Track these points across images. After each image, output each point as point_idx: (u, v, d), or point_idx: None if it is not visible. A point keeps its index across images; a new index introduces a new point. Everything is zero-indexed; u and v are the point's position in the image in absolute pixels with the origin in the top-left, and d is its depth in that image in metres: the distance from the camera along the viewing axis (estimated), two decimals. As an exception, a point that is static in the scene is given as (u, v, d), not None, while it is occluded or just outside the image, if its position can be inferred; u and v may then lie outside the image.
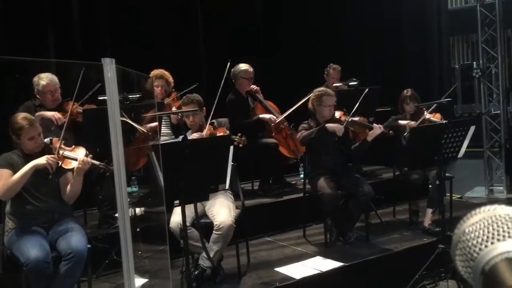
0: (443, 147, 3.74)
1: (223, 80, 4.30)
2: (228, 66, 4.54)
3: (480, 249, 0.59)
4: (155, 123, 4.21)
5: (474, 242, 0.59)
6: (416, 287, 3.85)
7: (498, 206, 0.62)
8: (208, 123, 4.00)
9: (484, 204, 0.66)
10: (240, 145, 3.83)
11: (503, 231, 0.58)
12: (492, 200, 6.04)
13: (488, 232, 0.59)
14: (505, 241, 0.57)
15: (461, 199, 5.96)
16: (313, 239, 4.54)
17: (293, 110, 5.12)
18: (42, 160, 3.03)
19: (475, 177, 6.51)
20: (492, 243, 0.58)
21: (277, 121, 5.03)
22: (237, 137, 3.82)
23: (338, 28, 6.90)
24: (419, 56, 7.08)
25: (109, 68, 1.67)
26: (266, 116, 5.05)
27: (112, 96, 1.70)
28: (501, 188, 6.35)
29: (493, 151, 6.46)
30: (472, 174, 6.50)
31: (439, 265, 3.83)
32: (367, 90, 4.32)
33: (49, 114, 4.03)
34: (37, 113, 3.90)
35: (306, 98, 4.95)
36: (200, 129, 3.97)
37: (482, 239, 0.59)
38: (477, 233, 0.60)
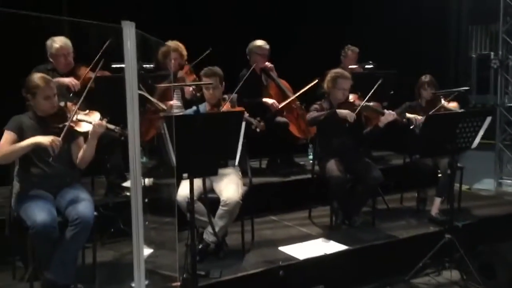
0: (457, 137, 3.69)
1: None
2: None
3: None
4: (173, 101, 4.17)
5: None
6: (419, 275, 3.86)
7: None
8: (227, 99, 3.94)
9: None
10: (258, 130, 3.76)
11: None
12: (500, 193, 5.99)
13: None
14: None
15: (469, 190, 5.91)
16: (319, 221, 4.53)
17: (305, 90, 5.05)
18: (45, 140, 2.93)
19: (484, 169, 6.42)
20: None
21: (279, 107, 4.91)
22: (256, 120, 3.76)
23: (355, 10, 6.77)
24: (436, 44, 6.94)
25: (129, 32, 1.60)
26: (269, 101, 4.93)
27: (130, 62, 1.64)
28: (510, 181, 6.27)
29: (505, 144, 6.37)
30: (481, 166, 6.41)
31: (444, 255, 3.82)
32: (380, 81, 4.17)
33: (66, 80, 4.02)
34: (55, 79, 3.87)
35: (312, 84, 4.89)
36: (218, 103, 3.92)
37: None
38: None
